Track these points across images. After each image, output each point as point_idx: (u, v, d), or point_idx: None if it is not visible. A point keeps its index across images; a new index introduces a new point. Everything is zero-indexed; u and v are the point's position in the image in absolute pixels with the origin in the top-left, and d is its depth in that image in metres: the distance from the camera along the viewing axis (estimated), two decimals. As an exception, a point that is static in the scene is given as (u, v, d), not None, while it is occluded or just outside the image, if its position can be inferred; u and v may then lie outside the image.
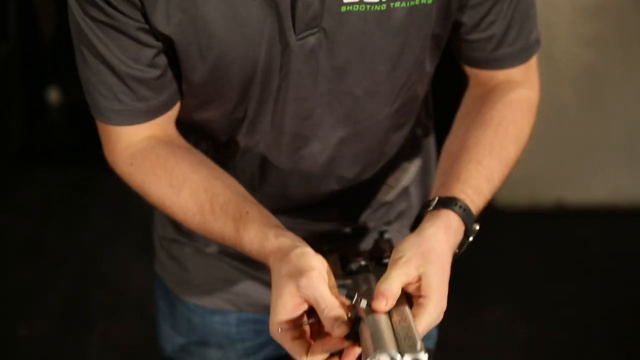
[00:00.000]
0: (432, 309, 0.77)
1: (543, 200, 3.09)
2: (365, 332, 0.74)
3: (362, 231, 1.12)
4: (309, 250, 0.82)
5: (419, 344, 0.70)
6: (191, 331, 1.18)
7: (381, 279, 0.78)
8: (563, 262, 2.87)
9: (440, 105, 1.24)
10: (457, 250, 0.87)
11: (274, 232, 0.86)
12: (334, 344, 0.78)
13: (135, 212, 3.30)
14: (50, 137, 3.66)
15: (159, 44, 0.87)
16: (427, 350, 0.70)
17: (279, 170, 1.02)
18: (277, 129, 0.96)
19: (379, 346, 0.70)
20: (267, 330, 1.15)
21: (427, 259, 0.79)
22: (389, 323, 0.74)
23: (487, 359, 2.33)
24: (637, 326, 2.55)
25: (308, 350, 0.79)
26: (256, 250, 0.86)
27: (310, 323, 0.79)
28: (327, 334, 0.78)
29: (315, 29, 0.87)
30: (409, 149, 1.11)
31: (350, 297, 0.77)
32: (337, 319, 0.75)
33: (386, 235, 1.03)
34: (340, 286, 0.88)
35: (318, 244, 1.05)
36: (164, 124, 0.96)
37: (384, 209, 1.13)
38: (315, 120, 0.96)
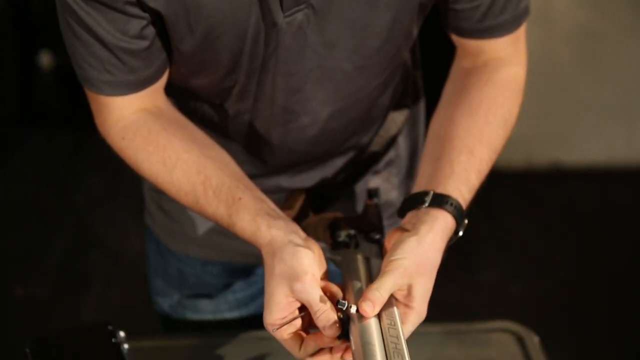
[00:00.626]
0: (415, 319, 0.82)
1: (539, 161, 3.09)
2: (356, 338, 0.78)
3: (351, 180, 1.12)
4: (301, 246, 0.84)
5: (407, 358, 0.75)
6: (183, 283, 1.19)
7: (373, 284, 0.80)
8: (558, 223, 2.88)
9: (428, 57, 1.23)
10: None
11: (266, 223, 0.87)
12: (326, 341, 0.81)
13: (130, 174, 3.30)
14: (43, 100, 3.65)
15: (146, 15, 0.87)
16: None
17: (268, 141, 1.02)
18: (267, 101, 0.97)
19: None
20: (259, 281, 1.16)
21: (420, 270, 0.81)
22: (379, 328, 0.78)
23: (481, 317, 2.34)
24: (632, 284, 2.56)
25: (301, 344, 0.82)
26: (248, 238, 0.88)
27: (302, 315, 0.83)
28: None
29: (303, 5, 0.86)
30: (397, 101, 1.11)
31: (339, 303, 0.80)
32: (329, 321, 0.79)
33: (371, 185, 1.04)
34: (328, 259, 0.90)
35: (308, 203, 1.06)
36: (154, 94, 0.96)
37: (372, 159, 1.13)
38: (305, 95, 0.96)
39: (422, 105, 1.18)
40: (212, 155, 0.94)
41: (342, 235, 0.96)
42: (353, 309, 0.79)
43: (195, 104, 1.03)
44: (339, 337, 0.80)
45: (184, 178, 0.92)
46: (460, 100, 0.97)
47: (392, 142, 1.14)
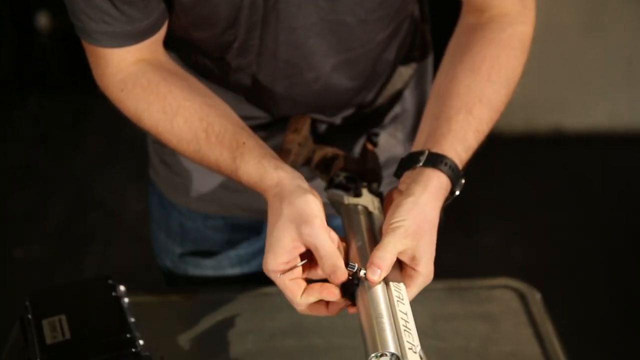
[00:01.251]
0: (421, 281, 0.81)
1: (541, 126, 3.08)
2: (365, 305, 0.77)
3: (355, 134, 1.11)
4: (308, 190, 0.82)
5: (417, 341, 0.74)
6: (184, 237, 1.18)
7: (377, 247, 0.79)
8: (560, 188, 2.87)
9: (438, 11, 1.21)
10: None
11: (274, 165, 0.85)
12: (331, 292, 0.79)
13: (129, 137, 3.28)
14: (41, 62, 3.62)
15: None
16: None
17: (272, 94, 1.01)
18: (269, 56, 0.95)
19: (384, 345, 0.73)
20: (262, 238, 1.15)
21: (421, 230, 0.80)
22: (387, 299, 0.77)
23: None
24: (632, 249, 2.56)
25: (303, 293, 0.81)
26: (253, 182, 0.86)
27: (303, 264, 0.81)
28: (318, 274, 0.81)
29: None
30: (405, 55, 1.09)
31: (349, 265, 0.78)
32: (336, 267, 0.78)
33: (375, 139, 1.02)
34: (326, 199, 0.90)
35: (313, 131, 1.04)
36: (153, 47, 0.94)
37: (378, 113, 1.11)
38: (308, 50, 0.95)
39: (430, 60, 1.16)
40: (214, 104, 0.93)
41: (342, 176, 0.95)
42: (362, 273, 0.78)
43: (197, 57, 1.01)
44: (343, 295, 0.79)
45: (185, 125, 0.91)
46: (463, 57, 0.95)
47: (398, 96, 1.12)
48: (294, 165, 0.98)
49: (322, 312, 0.81)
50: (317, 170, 1.00)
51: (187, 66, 1.01)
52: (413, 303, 1.08)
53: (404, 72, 1.11)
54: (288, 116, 1.04)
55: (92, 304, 0.99)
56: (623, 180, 2.91)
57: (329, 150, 1.00)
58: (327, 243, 0.79)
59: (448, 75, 0.95)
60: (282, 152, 0.97)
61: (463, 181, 0.88)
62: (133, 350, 0.91)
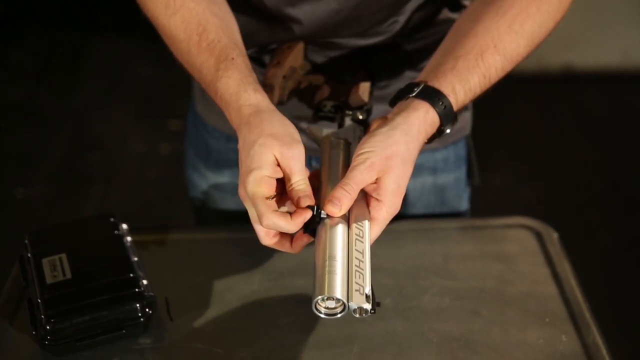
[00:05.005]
0: (385, 213, 0.78)
1: (550, 64, 3.02)
2: (321, 246, 0.75)
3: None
4: (284, 117, 0.81)
5: (368, 286, 0.73)
6: (209, 157, 1.17)
7: (341, 182, 0.77)
8: (570, 127, 2.83)
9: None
10: (426, 142, 0.85)
11: (253, 88, 0.83)
12: (301, 214, 0.76)
13: (129, 76, 3.24)
14: (39, -1, 3.56)
15: None
16: (372, 299, 0.73)
17: (295, 16, 0.96)
18: None
19: (330, 289, 0.72)
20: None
21: (389, 164, 0.78)
22: (346, 238, 0.76)
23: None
24: (641, 190, 2.54)
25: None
26: (228, 97, 0.83)
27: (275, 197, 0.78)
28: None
29: None
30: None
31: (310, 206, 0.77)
32: (304, 191, 0.77)
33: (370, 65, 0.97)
34: (306, 130, 0.89)
35: (305, 56, 1.01)
36: None
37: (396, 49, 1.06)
38: None
39: None
40: (219, 14, 0.90)
41: (328, 105, 0.91)
42: (324, 214, 0.77)
43: None
44: (306, 230, 0.77)
45: (182, 25, 0.88)
46: None
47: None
48: (281, 101, 0.96)
49: (286, 247, 0.79)
50: (303, 101, 0.97)
51: None
52: (423, 242, 1.05)
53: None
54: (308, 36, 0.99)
55: (93, 243, 0.95)
56: (635, 120, 2.86)
57: (317, 78, 0.95)
58: (303, 169, 0.77)
59: (472, 13, 0.91)
60: (265, 89, 0.93)
61: (456, 123, 0.85)
62: (136, 290, 0.88)
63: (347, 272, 0.74)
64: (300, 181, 0.77)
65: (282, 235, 0.79)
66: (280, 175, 0.77)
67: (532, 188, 2.53)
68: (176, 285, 0.97)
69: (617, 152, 2.70)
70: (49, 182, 2.61)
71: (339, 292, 0.72)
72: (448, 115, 0.83)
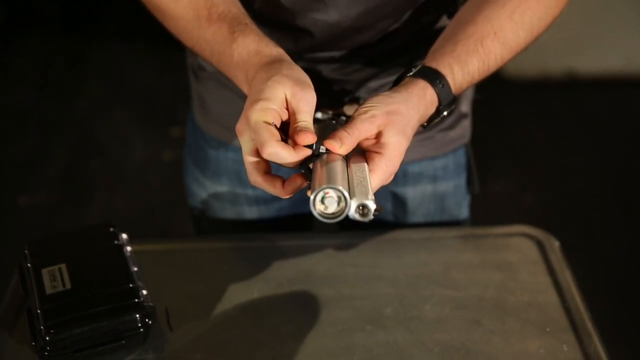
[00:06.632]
0: (385, 166, 0.77)
1: (553, 70, 3.02)
2: (319, 168, 0.74)
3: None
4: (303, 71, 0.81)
5: (371, 193, 0.71)
6: (207, 167, 1.17)
7: (342, 127, 0.78)
8: (572, 133, 2.82)
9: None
10: (425, 124, 0.86)
11: (273, 44, 0.84)
12: (303, 150, 0.75)
13: (131, 82, 3.24)
14: (43, 3, 3.56)
15: None
16: (378, 209, 0.70)
17: (301, 25, 0.97)
18: None
19: (330, 181, 0.70)
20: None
21: (390, 118, 0.78)
22: (345, 168, 0.74)
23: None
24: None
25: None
26: (247, 53, 0.83)
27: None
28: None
29: None
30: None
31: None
32: (307, 127, 0.76)
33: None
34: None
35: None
36: None
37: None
38: None
39: None
40: None
41: (326, 114, 0.92)
42: (322, 149, 0.76)
43: None
44: (300, 166, 0.76)
45: (189, 4, 0.89)
46: None
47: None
48: None
49: (277, 187, 0.77)
50: None
51: None
52: (425, 251, 1.05)
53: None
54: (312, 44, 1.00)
55: (93, 253, 0.95)
56: (638, 126, 2.85)
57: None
58: (311, 112, 0.77)
59: (473, 5, 0.92)
60: None
61: (454, 106, 0.86)
62: (136, 300, 0.87)
63: (348, 184, 0.72)
64: (305, 121, 0.76)
65: (274, 176, 0.77)
66: (285, 117, 0.77)
67: (534, 195, 2.52)
68: (176, 295, 0.97)
69: (621, 159, 2.69)
70: (51, 189, 2.61)
71: (339, 182, 0.70)
72: (446, 96, 0.84)
